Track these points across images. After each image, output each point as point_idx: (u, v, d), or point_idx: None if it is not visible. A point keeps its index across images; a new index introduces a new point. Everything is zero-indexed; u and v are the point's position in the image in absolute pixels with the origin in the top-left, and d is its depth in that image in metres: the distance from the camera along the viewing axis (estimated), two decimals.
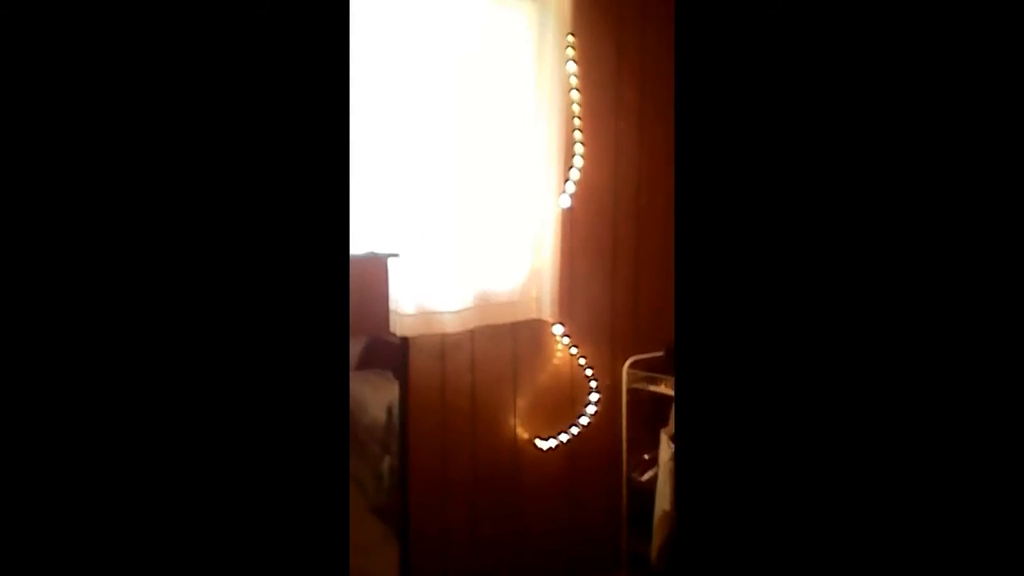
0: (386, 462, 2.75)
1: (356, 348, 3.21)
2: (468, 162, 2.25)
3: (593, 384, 2.56)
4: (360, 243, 2.12)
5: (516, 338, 2.47)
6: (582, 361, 2.54)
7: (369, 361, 3.19)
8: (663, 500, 2.21)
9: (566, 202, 2.45)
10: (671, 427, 2.25)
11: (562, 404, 2.56)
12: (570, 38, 2.36)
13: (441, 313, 2.25)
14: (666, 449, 2.24)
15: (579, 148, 2.47)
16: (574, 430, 2.56)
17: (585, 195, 2.51)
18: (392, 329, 2.21)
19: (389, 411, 2.65)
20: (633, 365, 2.64)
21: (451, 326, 2.26)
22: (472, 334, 2.35)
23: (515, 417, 2.50)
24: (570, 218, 2.49)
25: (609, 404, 2.62)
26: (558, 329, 2.49)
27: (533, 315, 2.45)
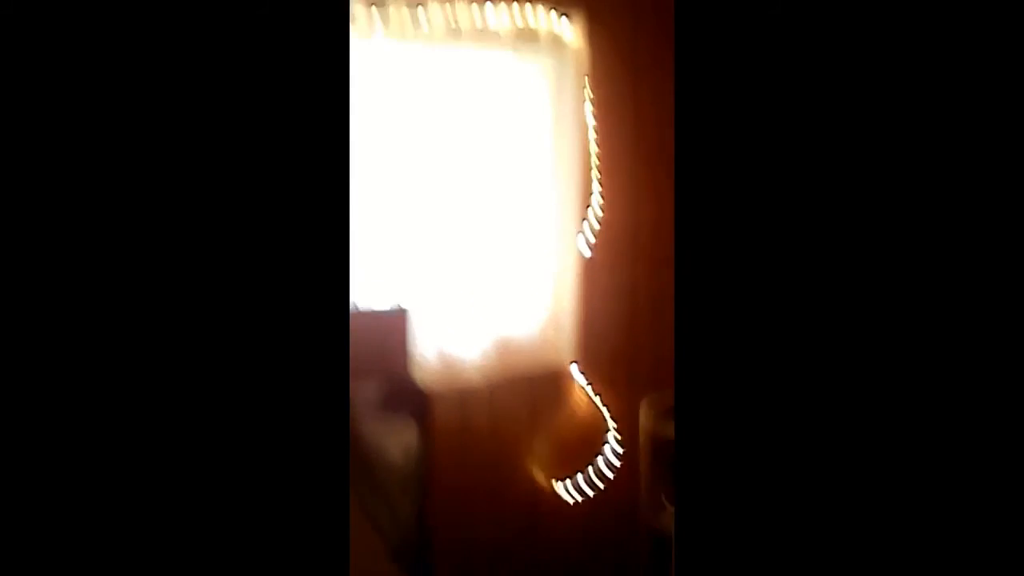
0: (406, 507, 2.73)
1: (377, 394, 3.21)
2: (487, 211, 2.26)
3: (613, 428, 2.54)
4: (380, 296, 2.13)
5: (535, 383, 2.46)
6: (603, 407, 2.52)
7: (390, 405, 3.19)
8: None
9: (586, 249, 2.45)
10: None
11: (583, 449, 2.54)
12: (587, 85, 2.37)
13: (463, 361, 2.25)
14: None
15: (598, 193, 2.47)
16: (596, 480, 2.54)
17: (605, 240, 2.51)
18: (413, 377, 2.22)
19: (407, 454, 2.64)
20: (652, 406, 2.62)
21: (472, 377, 2.26)
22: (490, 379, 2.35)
23: (535, 462, 2.49)
24: (592, 264, 2.48)
25: (630, 447, 2.60)
26: (578, 375, 2.48)
27: (553, 364, 2.44)
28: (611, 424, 2.53)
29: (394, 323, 2.20)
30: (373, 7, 2.00)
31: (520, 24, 2.21)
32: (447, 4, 2.09)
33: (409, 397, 2.65)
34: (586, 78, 2.37)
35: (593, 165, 2.44)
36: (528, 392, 2.44)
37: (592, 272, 2.49)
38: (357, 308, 2.12)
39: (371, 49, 2.01)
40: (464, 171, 2.21)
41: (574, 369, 2.47)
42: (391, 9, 2.01)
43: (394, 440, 2.91)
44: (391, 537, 2.79)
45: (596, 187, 2.46)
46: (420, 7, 2.04)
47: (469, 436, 2.37)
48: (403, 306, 2.21)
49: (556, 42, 2.30)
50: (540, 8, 2.24)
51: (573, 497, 2.51)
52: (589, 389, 2.49)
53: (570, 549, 2.61)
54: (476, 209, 2.25)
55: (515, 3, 2.19)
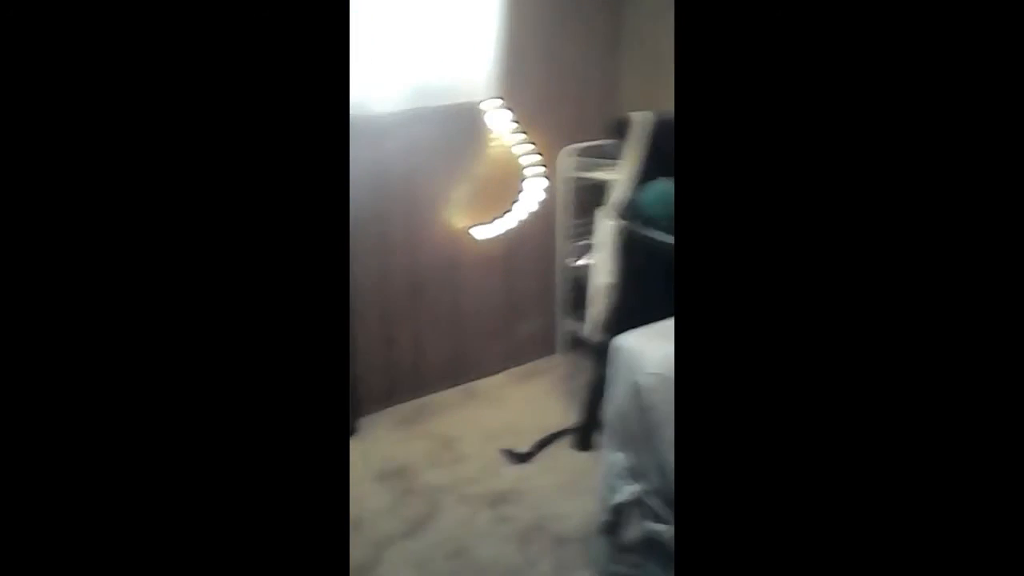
0: None
1: None
2: None
3: (538, 170, 2.53)
4: None
5: (449, 124, 2.40)
6: (525, 147, 2.49)
7: None
8: (602, 274, 2.27)
9: None
10: (608, 207, 2.27)
11: (498, 193, 2.54)
12: None
13: (372, 101, 2.15)
14: (604, 226, 2.27)
15: None
16: (512, 220, 2.56)
17: None
18: None
19: None
20: (573, 152, 2.62)
21: (383, 113, 2.17)
22: (402, 120, 2.27)
23: (451, 206, 2.48)
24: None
25: (546, 193, 2.62)
26: (499, 112, 2.41)
27: (469, 96, 2.36)
28: (534, 162, 2.51)
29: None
30: None
31: None
32: None
33: None
34: None
35: None
36: (442, 130, 2.38)
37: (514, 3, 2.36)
38: None
39: None
40: None
41: (495, 105, 2.40)
42: None
43: None
44: None
45: None
46: None
47: (384, 175, 2.32)
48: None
49: None
50: None
51: (491, 239, 2.55)
52: (513, 127, 2.44)
53: (489, 287, 2.70)
54: None
55: None
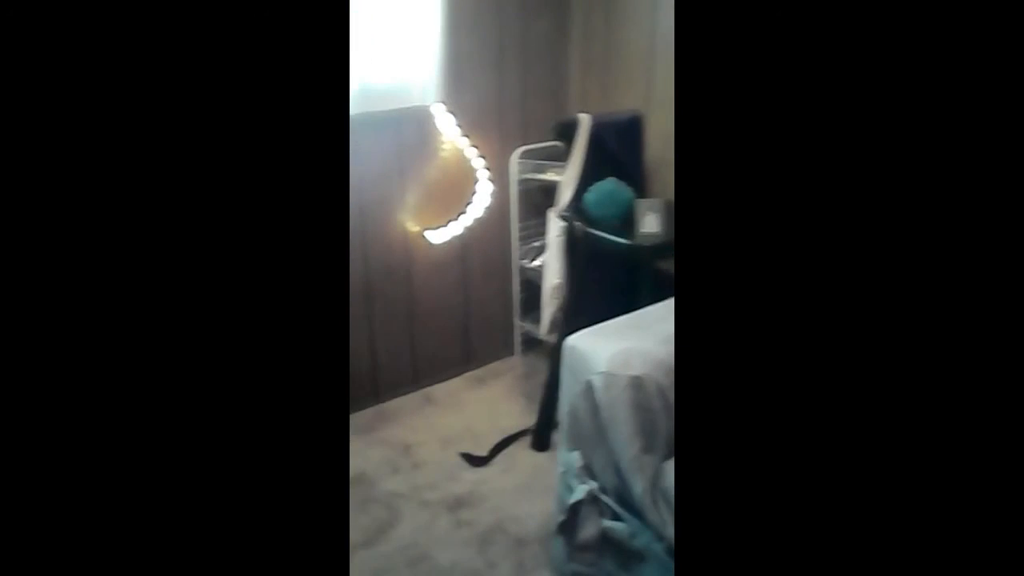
0: None
1: None
2: None
3: (485, 174, 2.54)
4: None
5: (400, 128, 2.39)
6: (472, 151, 2.49)
7: None
8: (552, 275, 2.29)
9: None
10: (557, 207, 2.29)
11: (451, 196, 2.55)
12: None
13: None
14: (553, 227, 2.29)
15: None
16: (465, 223, 2.57)
17: None
18: None
19: None
20: (525, 154, 2.63)
21: None
22: (353, 124, 2.26)
23: (404, 210, 2.48)
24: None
25: (499, 195, 2.63)
26: (445, 117, 2.42)
27: (422, 99, 2.36)
28: (482, 167, 2.52)
29: None
30: None
31: None
32: None
33: None
34: None
35: None
36: (393, 133, 2.37)
37: (457, 7, 2.36)
38: None
39: None
40: None
41: (440, 109, 2.40)
42: None
43: None
44: None
45: None
46: None
47: None
48: None
49: None
50: None
51: (446, 242, 2.55)
52: (458, 131, 2.44)
53: (444, 291, 2.70)
54: None
55: None
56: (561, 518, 1.65)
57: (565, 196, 2.26)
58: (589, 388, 1.53)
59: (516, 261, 2.77)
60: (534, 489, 2.13)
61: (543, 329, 2.39)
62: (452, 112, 2.41)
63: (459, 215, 2.55)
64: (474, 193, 2.55)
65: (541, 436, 2.32)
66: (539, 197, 2.68)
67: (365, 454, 2.35)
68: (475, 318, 2.83)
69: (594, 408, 1.52)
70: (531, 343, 2.91)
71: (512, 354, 2.96)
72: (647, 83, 2.53)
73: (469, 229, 2.59)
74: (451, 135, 2.45)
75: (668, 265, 2.19)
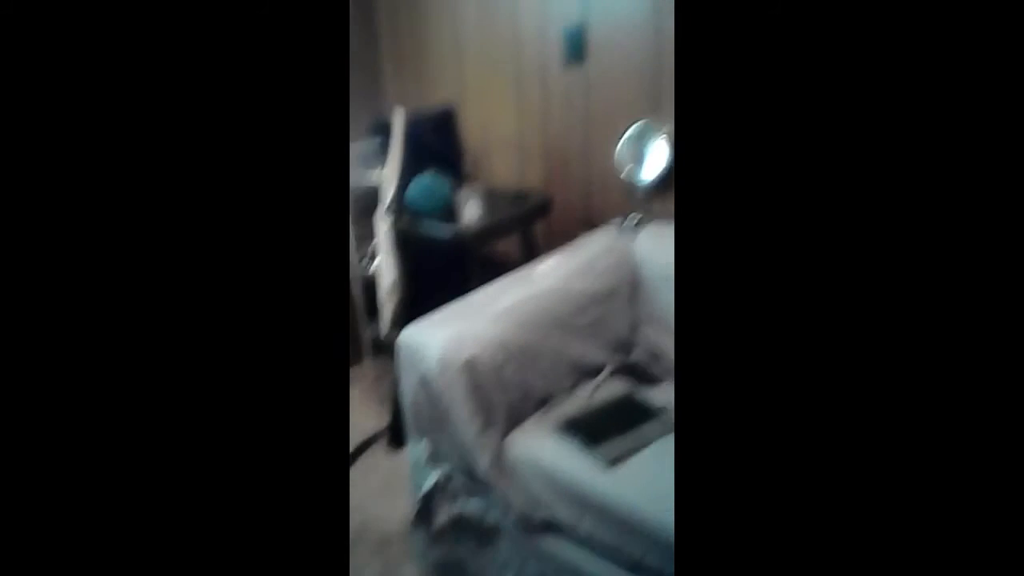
0: None
1: None
2: None
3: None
4: None
5: None
6: None
7: None
8: (386, 273, 2.30)
9: None
10: (382, 205, 2.30)
11: None
12: None
13: None
14: (381, 226, 2.30)
15: None
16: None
17: None
18: None
19: None
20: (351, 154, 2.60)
21: None
22: None
23: None
24: None
25: None
26: None
27: None
28: None
29: None
30: None
31: None
32: None
33: None
34: None
35: None
36: None
37: None
38: None
39: None
40: None
41: None
42: None
43: None
44: None
45: None
46: None
47: None
48: None
49: None
50: None
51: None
52: None
53: None
54: None
55: None
56: (416, 508, 1.68)
57: (388, 193, 2.27)
58: (424, 379, 1.55)
59: (354, 265, 2.75)
60: (394, 487, 2.14)
61: (384, 328, 2.39)
62: None
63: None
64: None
65: (395, 434, 2.33)
66: (370, 198, 2.67)
67: None
68: None
69: (431, 397, 1.55)
70: (378, 346, 2.90)
71: (360, 360, 2.94)
72: (459, 76, 2.58)
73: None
74: None
75: (492, 249, 2.24)
